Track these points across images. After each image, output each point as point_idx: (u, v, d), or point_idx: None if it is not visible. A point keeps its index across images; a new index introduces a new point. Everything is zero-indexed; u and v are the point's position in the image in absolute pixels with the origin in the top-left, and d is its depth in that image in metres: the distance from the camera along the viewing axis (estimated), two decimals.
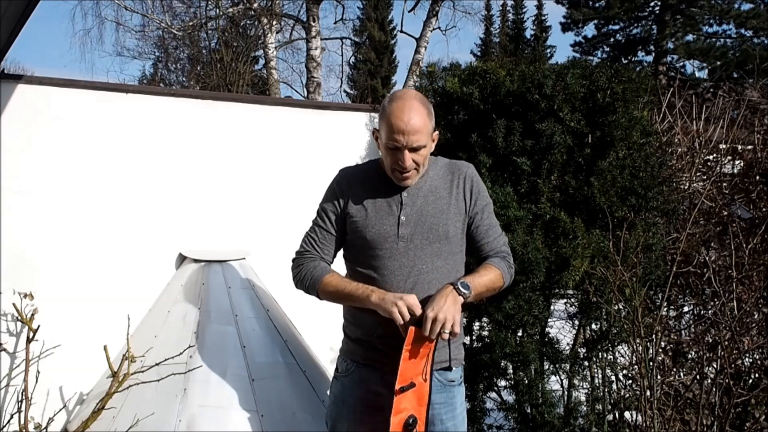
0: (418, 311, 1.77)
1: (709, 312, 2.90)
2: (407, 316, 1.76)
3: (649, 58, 22.20)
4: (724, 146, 4.01)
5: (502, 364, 3.07)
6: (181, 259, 3.00)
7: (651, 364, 2.64)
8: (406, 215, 1.92)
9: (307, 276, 1.98)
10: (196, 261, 2.90)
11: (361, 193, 1.97)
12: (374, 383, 1.94)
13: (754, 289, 2.77)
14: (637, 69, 3.20)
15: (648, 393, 2.59)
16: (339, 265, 2.10)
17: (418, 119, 1.83)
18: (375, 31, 23.59)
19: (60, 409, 2.77)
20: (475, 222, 1.99)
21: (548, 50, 27.41)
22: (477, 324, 3.18)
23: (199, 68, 13.58)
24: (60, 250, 2.83)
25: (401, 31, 17.49)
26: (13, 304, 2.68)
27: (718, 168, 3.90)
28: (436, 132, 1.97)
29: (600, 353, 3.04)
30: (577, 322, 3.14)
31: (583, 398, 3.10)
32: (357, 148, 3.43)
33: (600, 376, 3.07)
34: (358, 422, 1.96)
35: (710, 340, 2.76)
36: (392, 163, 1.88)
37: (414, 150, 1.85)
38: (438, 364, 1.93)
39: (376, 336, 1.92)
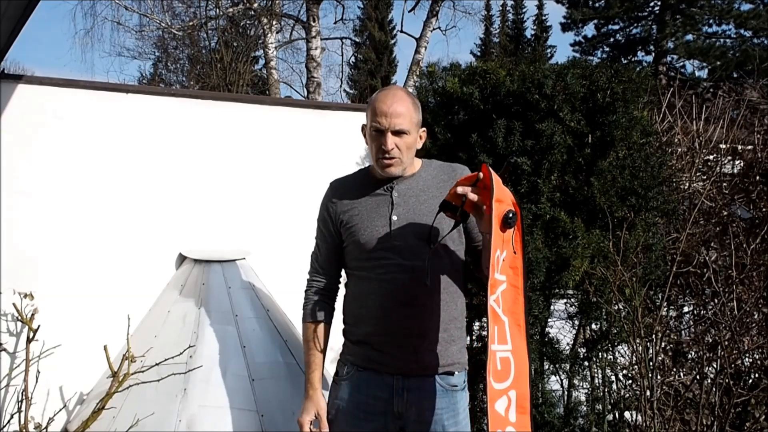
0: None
1: (709, 312, 2.90)
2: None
3: (649, 58, 22.22)
4: (724, 146, 4.01)
5: None
6: (181, 259, 3.00)
7: (651, 364, 2.64)
8: (398, 215, 1.92)
9: (303, 306, 2.10)
10: (196, 261, 2.90)
11: (352, 199, 1.99)
12: (374, 387, 1.93)
13: (754, 289, 2.78)
14: (637, 69, 3.20)
15: (648, 393, 2.59)
16: None
17: (400, 104, 1.87)
18: (375, 31, 23.59)
19: (60, 409, 2.76)
20: (471, 224, 1.99)
21: (548, 50, 27.41)
22: (477, 324, 3.18)
23: (199, 68, 13.57)
24: (60, 250, 2.83)
25: (401, 31, 17.54)
26: (13, 304, 2.68)
27: (718, 168, 3.91)
28: (424, 129, 1.99)
29: (600, 353, 3.04)
30: (577, 322, 3.15)
31: (583, 398, 3.10)
32: (357, 149, 3.43)
33: (600, 376, 3.07)
34: (357, 426, 1.95)
35: (710, 340, 2.77)
36: (376, 149, 1.90)
37: (397, 133, 1.87)
38: (440, 368, 1.92)
39: (376, 336, 1.92)
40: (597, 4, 22.64)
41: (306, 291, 2.10)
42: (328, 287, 2.09)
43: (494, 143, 2.96)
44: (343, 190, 2.03)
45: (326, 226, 2.03)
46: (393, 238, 1.90)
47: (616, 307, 2.79)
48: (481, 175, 1.74)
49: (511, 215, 1.71)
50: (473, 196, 1.73)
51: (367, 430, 1.94)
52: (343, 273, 2.12)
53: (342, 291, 2.13)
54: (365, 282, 1.94)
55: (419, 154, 3.06)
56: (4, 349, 2.74)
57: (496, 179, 1.72)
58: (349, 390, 1.97)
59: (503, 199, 1.72)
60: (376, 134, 1.89)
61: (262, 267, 3.01)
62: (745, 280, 2.80)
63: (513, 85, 2.97)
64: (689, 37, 20.99)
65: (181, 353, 2.56)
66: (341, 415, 1.98)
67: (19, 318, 2.67)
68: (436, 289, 1.91)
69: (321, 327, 2.05)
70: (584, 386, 3.08)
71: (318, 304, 2.06)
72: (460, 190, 1.74)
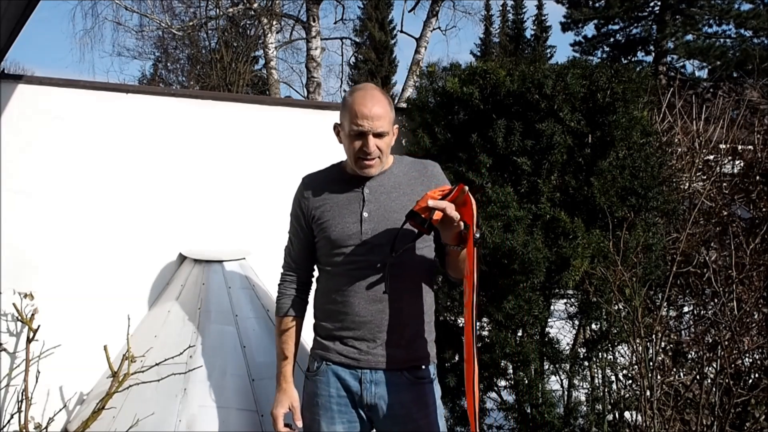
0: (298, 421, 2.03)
1: (709, 312, 2.90)
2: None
3: (649, 58, 22.23)
4: (724, 146, 4.01)
5: (502, 364, 3.07)
6: (181, 259, 3.00)
7: (651, 364, 2.64)
8: (369, 211, 1.95)
9: (276, 302, 2.13)
10: (196, 261, 2.90)
11: (324, 195, 2.03)
12: (343, 381, 1.97)
13: (754, 289, 2.78)
14: (637, 69, 3.19)
15: (648, 393, 2.59)
16: None
17: (380, 107, 1.89)
18: (375, 31, 23.60)
19: (60, 409, 2.76)
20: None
21: (548, 50, 27.45)
22: (477, 324, 3.18)
23: (199, 68, 13.57)
24: (60, 250, 2.83)
25: (401, 31, 17.56)
26: (13, 304, 2.68)
27: (718, 168, 3.90)
28: (397, 126, 2.02)
29: (600, 353, 3.04)
30: (577, 322, 3.15)
31: (583, 398, 3.10)
32: None
33: (600, 376, 3.07)
34: (330, 420, 1.99)
35: (710, 340, 2.76)
36: (357, 150, 1.92)
37: (378, 135, 1.90)
38: (407, 363, 1.97)
39: (345, 332, 1.97)
40: (597, 4, 22.64)
41: (279, 285, 2.12)
42: (302, 281, 2.12)
43: (494, 143, 2.96)
44: (315, 185, 2.06)
45: (298, 221, 2.07)
46: (363, 234, 1.94)
47: (616, 307, 2.79)
48: (466, 188, 1.77)
49: (478, 235, 1.78)
50: (454, 215, 1.77)
51: (340, 424, 1.98)
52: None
53: (313, 286, 2.16)
54: (335, 278, 1.98)
55: (419, 153, 3.08)
56: (4, 349, 2.74)
57: (473, 200, 1.78)
58: (320, 385, 2.00)
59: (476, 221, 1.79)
60: (356, 136, 1.91)
61: (262, 267, 3.01)
62: (745, 280, 2.80)
63: (513, 85, 2.97)
64: (689, 37, 21.00)
65: (181, 353, 2.56)
66: (314, 409, 2.01)
67: (19, 318, 2.67)
68: (404, 286, 1.95)
69: (294, 321, 2.08)
70: (584, 386, 3.08)
71: (291, 299, 2.09)
72: (431, 203, 1.77)
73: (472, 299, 1.80)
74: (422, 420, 1.96)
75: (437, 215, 1.79)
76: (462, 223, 1.79)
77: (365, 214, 1.95)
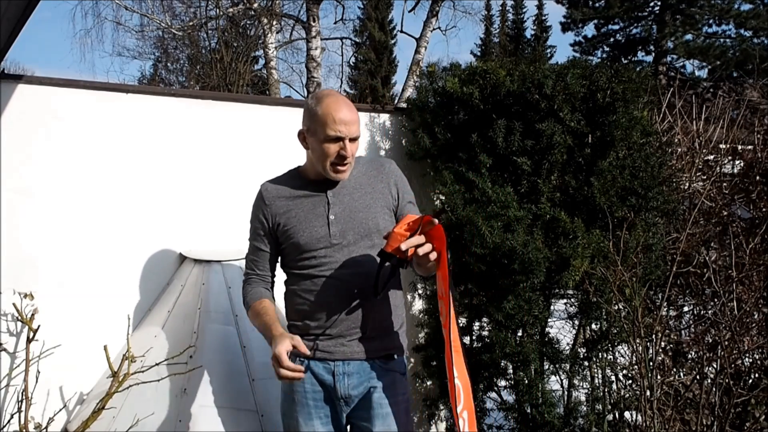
0: (303, 350, 1.88)
1: (709, 312, 2.90)
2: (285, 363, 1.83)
3: (649, 58, 22.23)
4: (724, 146, 4.00)
5: (502, 364, 3.07)
6: (181, 259, 3.00)
7: (651, 364, 2.64)
8: (335, 214, 1.99)
9: (243, 301, 2.12)
10: (196, 261, 2.90)
11: (286, 201, 2.05)
12: (318, 375, 2.00)
13: (754, 289, 2.78)
14: (637, 69, 3.20)
15: (648, 393, 2.59)
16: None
17: (353, 112, 1.94)
18: (375, 31, 23.60)
19: (60, 409, 2.76)
20: (401, 213, 2.06)
21: (548, 50, 27.45)
22: (477, 324, 3.18)
23: (199, 68, 13.58)
24: (60, 250, 2.83)
25: (401, 31, 17.54)
26: (13, 304, 2.68)
27: (718, 168, 3.90)
28: None
29: (600, 353, 3.05)
30: (577, 322, 3.15)
31: (583, 398, 3.10)
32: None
33: (600, 376, 3.07)
34: (309, 415, 2.01)
35: (710, 340, 2.76)
36: (333, 156, 1.94)
37: (353, 140, 1.94)
38: (380, 352, 2.01)
39: (320, 330, 1.99)
40: (597, 4, 22.64)
41: (244, 283, 2.13)
42: (267, 282, 2.14)
43: (494, 143, 2.96)
44: (276, 192, 2.08)
45: (262, 228, 2.09)
46: (332, 236, 1.98)
47: (616, 307, 2.79)
48: (435, 220, 1.80)
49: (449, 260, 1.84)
50: (427, 249, 1.80)
51: (317, 419, 2.01)
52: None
53: (280, 288, 2.16)
54: (307, 280, 2.00)
55: (419, 153, 3.07)
56: (4, 349, 2.74)
57: (441, 230, 1.81)
58: (295, 382, 2.01)
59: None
60: (333, 141, 1.92)
61: None
62: (745, 280, 2.80)
63: (513, 85, 2.97)
64: (689, 36, 21.00)
65: (181, 353, 2.56)
66: (292, 406, 2.03)
67: (19, 318, 2.67)
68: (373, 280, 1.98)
69: (267, 302, 2.07)
70: (584, 386, 3.08)
71: (260, 289, 2.10)
72: (404, 246, 1.79)
73: (449, 321, 1.86)
74: (393, 407, 2.00)
75: (410, 252, 1.81)
76: (435, 253, 1.82)
77: (332, 217, 1.99)
